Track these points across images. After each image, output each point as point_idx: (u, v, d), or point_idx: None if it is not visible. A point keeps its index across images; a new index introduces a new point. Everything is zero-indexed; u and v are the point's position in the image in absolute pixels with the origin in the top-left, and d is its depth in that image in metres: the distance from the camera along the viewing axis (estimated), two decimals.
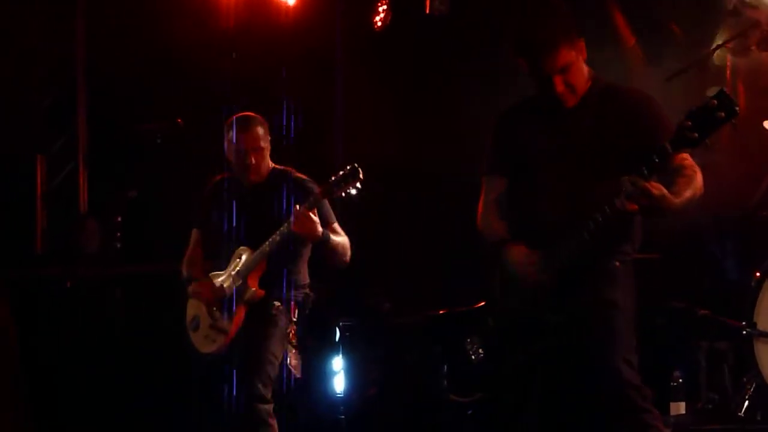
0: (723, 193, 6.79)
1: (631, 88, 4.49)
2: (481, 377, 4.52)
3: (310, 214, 5.78)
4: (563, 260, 4.23)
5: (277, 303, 5.97)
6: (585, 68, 4.40)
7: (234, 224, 6.06)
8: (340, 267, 6.06)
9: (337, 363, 7.53)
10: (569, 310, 4.26)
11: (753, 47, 6.77)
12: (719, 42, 6.78)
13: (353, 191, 5.78)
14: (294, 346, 6.04)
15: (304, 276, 6.16)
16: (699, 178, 4.18)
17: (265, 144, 6.11)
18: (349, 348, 7.54)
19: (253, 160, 6.07)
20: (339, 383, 7.56)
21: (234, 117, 6.14)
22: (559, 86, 4.30)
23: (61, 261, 8.43)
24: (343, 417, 7.51)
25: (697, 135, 3.82)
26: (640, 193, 3.95)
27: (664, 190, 4.00)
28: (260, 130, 6.09)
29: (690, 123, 3.82)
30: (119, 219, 5.98)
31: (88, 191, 9.08)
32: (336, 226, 6.05)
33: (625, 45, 7.21)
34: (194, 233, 6.38)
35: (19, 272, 8.30)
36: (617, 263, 4.34)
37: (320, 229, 5.82)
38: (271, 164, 6.19)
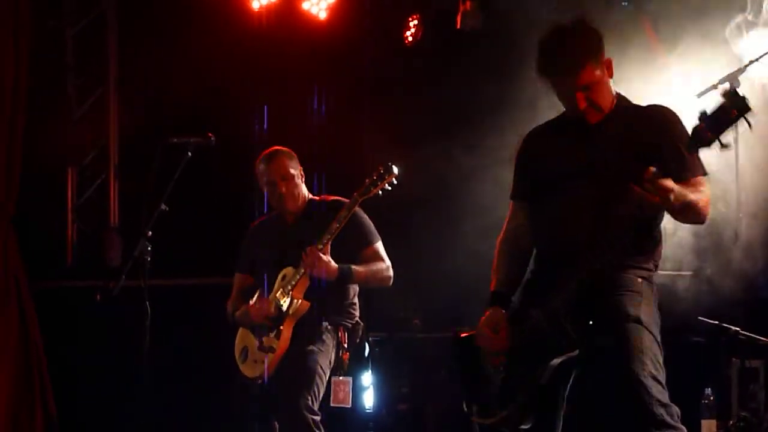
0: (754, 209, 6.81)
1: (656, 105, 4.49)
2: (504, 395, 4.48)
3: (320, 253, 5.80)
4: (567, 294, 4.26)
5: (325, 323, 5.97)
6: (611, 87, 4.42)
7: (278, 260, 6.08)
8: (382, 288, 6.11)
9: (367, 378, 7.52)
10: (592, 326, 4.25)
11: None
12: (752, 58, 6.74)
13: (389, 187, 5.81)
14: (344, 374, 6.03)
15: (352, 302, 6.16)
16: (705, 202, 4.19)
17: (295, 172, 6.14)
18: (378, 363, 7.52)
19: (284, 189, 6.10)
20: (368, 399, 7.54)
21: (262, 153, 6.20)
22: (582, 103, 4.36)
23: (90, 274, 8.47)
24: None
25: (710, 134, 3.82)
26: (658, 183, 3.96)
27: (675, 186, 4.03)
28: (287, 160, 6.13)
29: (703, 125, 3.83)
30: (149, 232, 5.97)
31: (118, 204, 9.13)
32: (376, 246, 6.07)
33: (656, 60, 7.17)
34: (237, 277, 6.40)
35: (50, 284, 8.35)
36: (639, 279, 4.34)
37: (334, 266, 5.83)
38: (309, 195, 6.21)
